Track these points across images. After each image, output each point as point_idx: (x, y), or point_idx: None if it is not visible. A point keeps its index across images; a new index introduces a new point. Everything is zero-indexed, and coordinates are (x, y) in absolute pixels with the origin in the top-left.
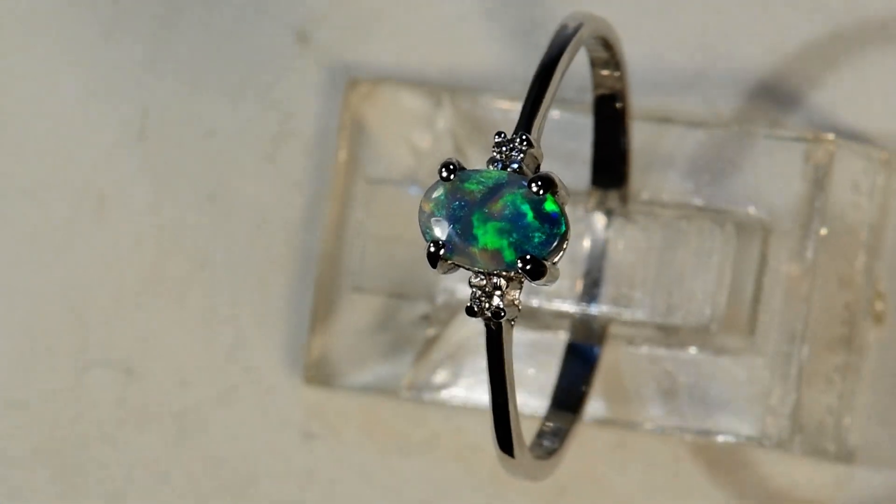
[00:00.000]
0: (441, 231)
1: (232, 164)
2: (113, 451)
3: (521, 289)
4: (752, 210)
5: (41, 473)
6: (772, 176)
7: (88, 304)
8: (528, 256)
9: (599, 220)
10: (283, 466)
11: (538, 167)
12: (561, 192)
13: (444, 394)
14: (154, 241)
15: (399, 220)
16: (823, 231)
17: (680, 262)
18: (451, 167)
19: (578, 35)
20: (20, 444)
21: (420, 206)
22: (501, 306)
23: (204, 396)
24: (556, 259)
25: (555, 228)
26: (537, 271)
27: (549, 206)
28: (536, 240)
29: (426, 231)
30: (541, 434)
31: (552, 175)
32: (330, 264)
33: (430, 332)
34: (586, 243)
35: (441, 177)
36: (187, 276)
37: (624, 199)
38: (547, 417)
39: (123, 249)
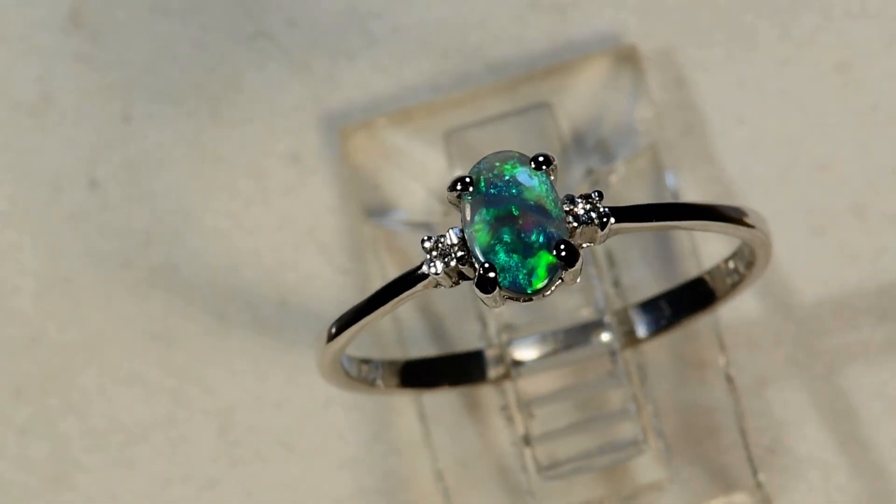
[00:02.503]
0: (481, 179)
1: None
2: None
3: (466, 279)
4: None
5: None
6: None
7: None
8: (486, 265)
9: (601, 327)
10: (262, 168)
11: (590, 243)
12: (570, 273)
13: (394, 263)
14: None
15: (525, 148)
16: None
17: (604, 424)
18: (543, 161)
19: (740, 229)
20: None
21: (503, 153)
22: (441, 269)
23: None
24: (508, 295)
25: (527, 285)
26: (486, 287)
27: (542, 270)
28: (510, 275)
29: (476, 166)
30: (370, 362)
31: (579, 257)
32: (460, 99)
33: (437, 212)
34: (573, 326)
35: (532, 158)
36: None
37: (633, 342)
38: (391, 362)
39: None
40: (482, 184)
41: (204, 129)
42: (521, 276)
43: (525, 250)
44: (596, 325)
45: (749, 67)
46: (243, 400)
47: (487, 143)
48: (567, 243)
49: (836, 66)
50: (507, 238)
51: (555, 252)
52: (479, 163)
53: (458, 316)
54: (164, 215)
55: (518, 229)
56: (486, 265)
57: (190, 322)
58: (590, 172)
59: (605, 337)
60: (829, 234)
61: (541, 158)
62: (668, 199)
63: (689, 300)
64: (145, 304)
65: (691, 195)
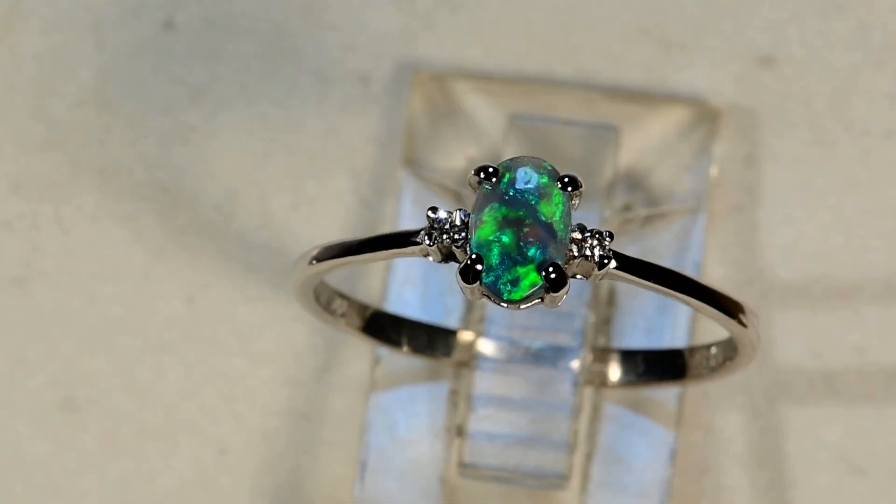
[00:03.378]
0: (506, 176)
1: None
2: None
3: (452, 262)
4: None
5: None
6: None
7: None
8: (475, 256)
9: (574, 356)
10: (328, 76)
11: (584, 277)
12: (550, 298)
13: (411, 216)
14: None
15: (578, 160)
16: None
17: (538, 448)
18: (569, 183)
19: (731, 322)
20: None
21: (536, 160)
22: (434, 243)
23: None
24: (485, 293)
25: (505, 292)
26: (468, 277)
27: (525, 283)
28: (494, 276)
29: (507, 161)
30: (344, 297)
31: (566, 283)
32: (539, 90)
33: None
34: (550, 345)
35: (560, 177)
36: None
37: (599, 383)
38: (364, 306)
39: None
40: (505, 180)
41: (291, 16)
42: (502, 281)
43: (518, 259)
44: (570, 353)
45: (818, 175)
46: (220, 283)
47: (547, 141)
48: (558, 269)
49: None
50: (506, 240)
51: (543, 273)
52: (512, 159)
53: (451, 288)
54: (219, 81)
55: (520, 237)
56: (475, 256)
57: (200, 190)
58: (626, 208)
59: (573, 366)
60: (824, 360)
61: (567, 179)
62: (688, 267)
63: (663, 367)
64: (167, 156)
65: (714, 272)
